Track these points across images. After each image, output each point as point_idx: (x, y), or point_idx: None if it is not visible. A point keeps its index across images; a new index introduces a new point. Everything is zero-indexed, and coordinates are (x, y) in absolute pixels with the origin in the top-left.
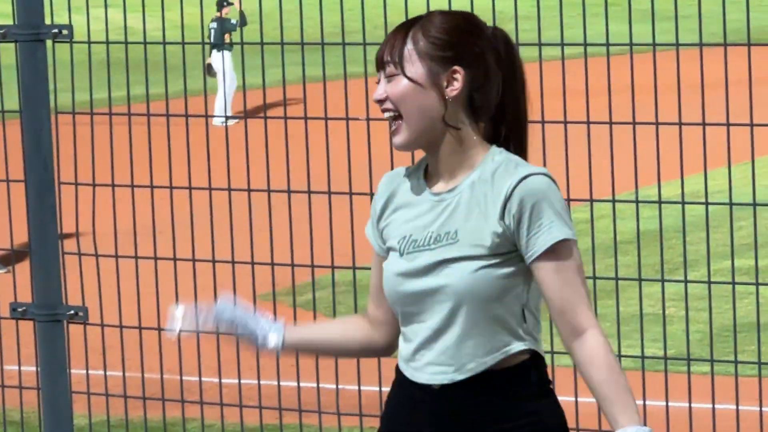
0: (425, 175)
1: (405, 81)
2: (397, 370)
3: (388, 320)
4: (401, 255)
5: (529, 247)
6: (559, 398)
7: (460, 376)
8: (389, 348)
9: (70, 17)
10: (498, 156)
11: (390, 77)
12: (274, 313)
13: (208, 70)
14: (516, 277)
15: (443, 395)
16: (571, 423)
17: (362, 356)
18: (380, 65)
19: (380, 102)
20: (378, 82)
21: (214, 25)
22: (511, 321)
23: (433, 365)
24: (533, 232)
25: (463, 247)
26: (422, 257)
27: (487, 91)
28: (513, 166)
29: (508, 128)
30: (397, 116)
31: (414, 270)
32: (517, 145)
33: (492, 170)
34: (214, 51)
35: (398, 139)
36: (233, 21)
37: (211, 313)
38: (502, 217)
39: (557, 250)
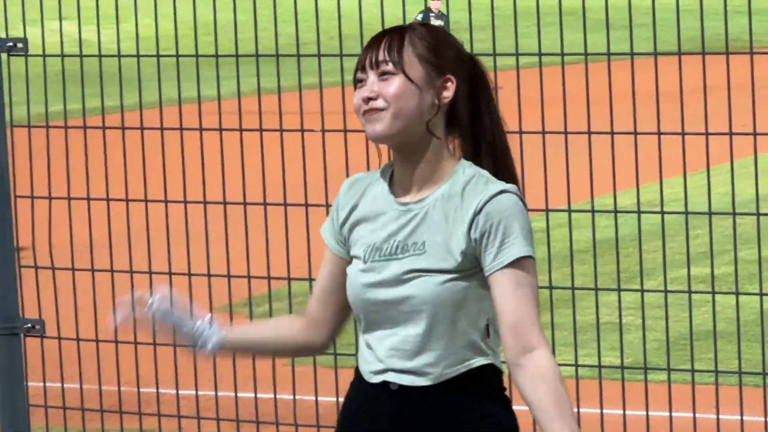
0: (390, 183)
1: (403, 80)
2: (357, 373)
3: (331, 321)
4: (365, 262)
5: (491, 259)
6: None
7: (419, 382)
8: (324, 347)
9: (24, 30)
10: (468, 169)
11: (384, 76)
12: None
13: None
14: (482, 292)
15: (401, 395)
16: None
17: (297, 356)
18: (372, 65)
19: (369, 100)
20: (359, 86)
21: (420, 16)
22: (475, 335)
23: (394, 372)
24: (497, 246)
25: (430, 259)
26: (389, 267)
27: (465, 104)
28: (483, 182)
29: (486, 143)
30: (381, 109)
31: (381, 279)
32: (495, 161)
33: (462, 184)
34: None
35: (379, 127)
36: (432, 16)
37: (148, 308)
38: (468, 232)
39: (518, 266)
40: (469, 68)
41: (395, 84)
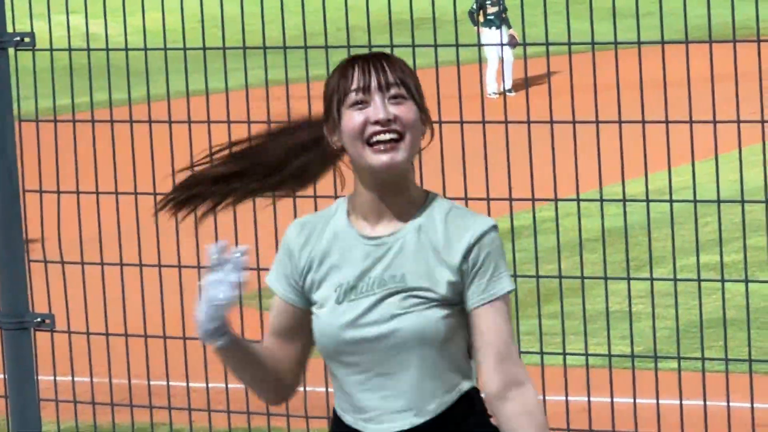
0: (348, 219)
1: (415, 107)
2: (339, 422)
3: (298, 361)
4: (339, 303)
5: (479, 292)
6: (548, 398)
7: (419, 420)
8: (293, 388)
9: (31, 24)
10: (441, 200)
11: (397, 99)
12: (241, 317)
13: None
14: (462, 318)
15: None
16: (560, 422)
17: (275, 391)
18: (380, 87)
19: (387, 122)
20: (360, 107)
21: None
22: (461, 360)
23: (390, 413)
24: (486, 280)
25: (412, 290)
26: (366, 303)
27: None
28: (470, 216)
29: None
30: (397, 140)
31: (360, 318)
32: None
33: (442, 215)
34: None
35: (399, 156)
36: (488, 3)
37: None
38: (461, 264)
39: (505, 300)
40: None
41: (412, 110)
